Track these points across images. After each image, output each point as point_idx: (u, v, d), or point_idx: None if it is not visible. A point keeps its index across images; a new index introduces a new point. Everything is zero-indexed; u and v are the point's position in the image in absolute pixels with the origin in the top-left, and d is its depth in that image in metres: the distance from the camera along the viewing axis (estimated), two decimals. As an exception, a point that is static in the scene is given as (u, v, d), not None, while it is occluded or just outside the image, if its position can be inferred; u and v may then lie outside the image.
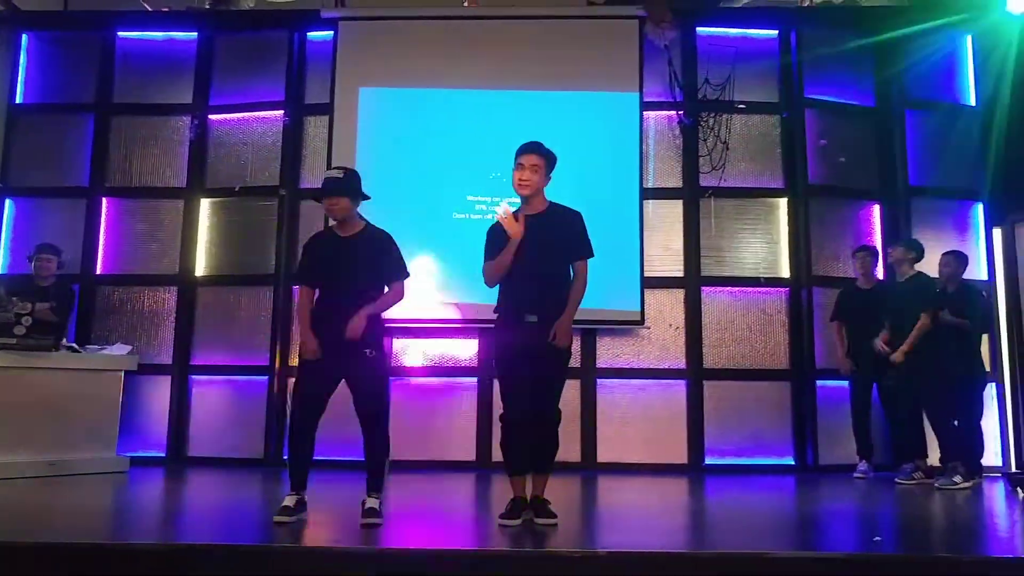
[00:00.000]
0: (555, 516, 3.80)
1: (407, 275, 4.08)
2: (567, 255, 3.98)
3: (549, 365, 3.88)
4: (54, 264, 6.19)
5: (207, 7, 7.98)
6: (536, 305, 3.87)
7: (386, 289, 4.04)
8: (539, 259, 3.88)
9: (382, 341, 4.08)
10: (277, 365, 6.70)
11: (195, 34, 7.30)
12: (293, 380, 4.11)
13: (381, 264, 4.02)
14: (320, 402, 3.95)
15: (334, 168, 4.19)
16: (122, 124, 7.25)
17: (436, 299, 6.60)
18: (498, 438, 3.99)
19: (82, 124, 7.24)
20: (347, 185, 3.98)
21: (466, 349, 6.76)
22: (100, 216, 7.10)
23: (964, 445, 5.68)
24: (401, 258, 4.07)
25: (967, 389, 5.79)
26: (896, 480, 5.75)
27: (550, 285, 3.92)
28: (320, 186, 4.05)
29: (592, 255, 4.01)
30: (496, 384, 4.04)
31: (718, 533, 4.11)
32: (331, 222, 4.18)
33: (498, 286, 4.01)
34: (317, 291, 4.04)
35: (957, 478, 5.39)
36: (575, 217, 4.02)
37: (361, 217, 4.09)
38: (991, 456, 6.50)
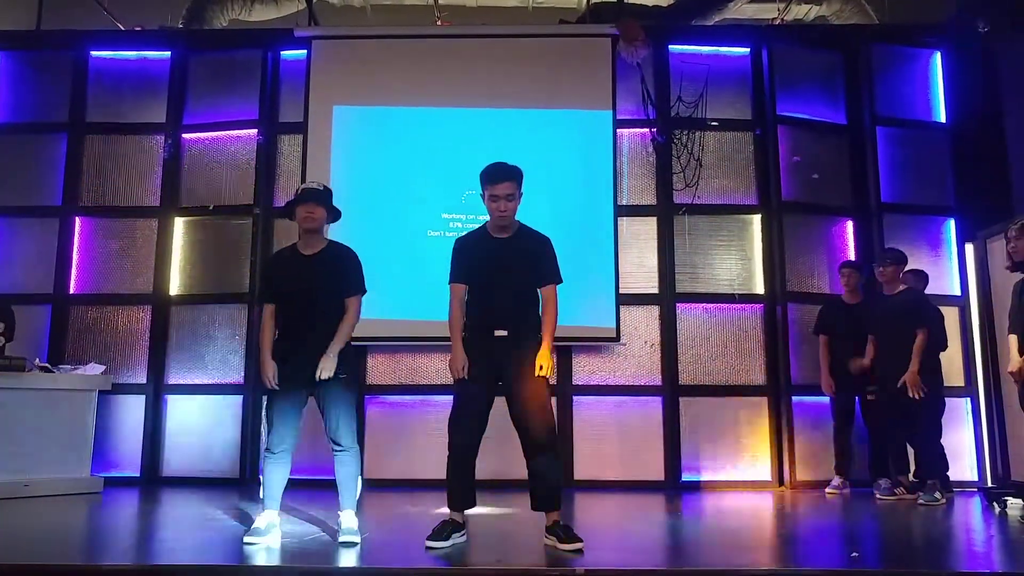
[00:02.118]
0: (580, 540, 3.63)
1: (363, 291, 4.08)
2: (536, 280, 3.95)
3: (528, 376, 3.80)
4: None
5: (180, 26, 7.98)
6: (506, 320, 3.85)
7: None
8: (508, 278, 3.88)
9: (354, 362, 4.07)
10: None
11: (168, 53, 7.26)
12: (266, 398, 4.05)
13: (342, 274, 4.02)
14: (294, 419, 3.94)
15: (311, 181, 4.22)
16: (95, 143, 7.20)
17: (410, 316, 6.57)
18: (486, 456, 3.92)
19: (55, 143, 7.17)
20: (326, 196, 4.05)
21: (441, 366, 6.72)
22: (73, 235, 7.02)
23: (939, 461, 5.72)
24: (361, 273, 4.08)
25: (930, 405, 5.81)
26: (877, 496, 5.75)
27: (519, 302, 3.90)
28: (297, 195, 4.07)
29: (561, 281, 3.99)
30: (455, 400, 3.94)
31: (696, 550, 4.10)
32: (297, 237, 4.15)
33: (467, 306, 3.97)
34: (279, 310, 4.03)
35: (937, 494, 5.42)
36: (545, 242, 3.99)
37: (324, 236, 4.12)
38: (967, 471, 6.57)
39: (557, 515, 3.78)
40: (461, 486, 3.85)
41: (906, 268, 6.10)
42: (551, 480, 3.80)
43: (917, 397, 5.55)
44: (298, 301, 3.96)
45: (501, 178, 3.84)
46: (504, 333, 3.82)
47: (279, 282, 4.04)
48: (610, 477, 6.49)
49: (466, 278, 3.97)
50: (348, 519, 3.85)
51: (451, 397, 6.43)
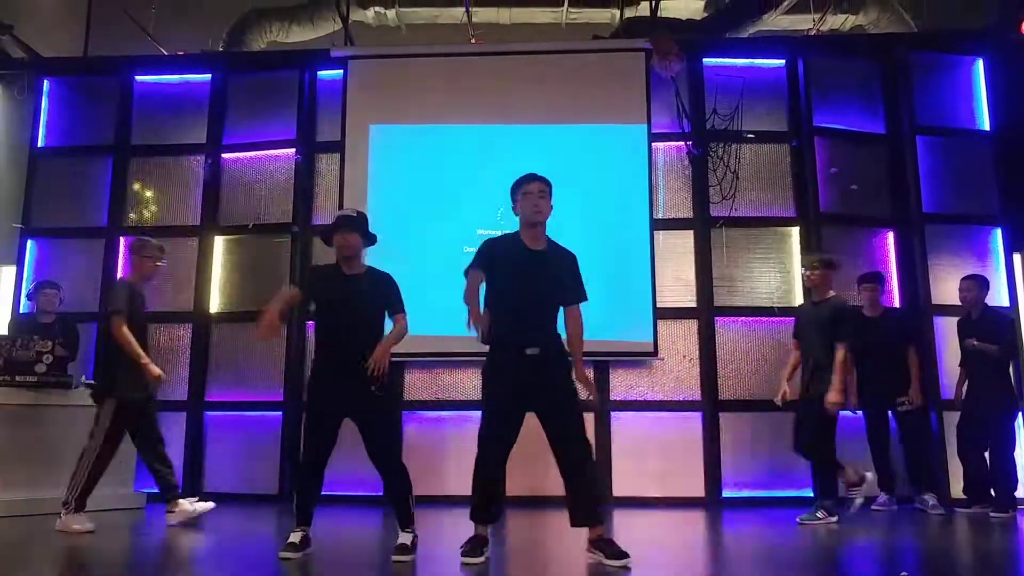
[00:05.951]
0: (627, 555, 3.53)
1: (405, 312, 4.10)
2: (564, 297, 3.94)
3: (561, 394, 3.79)
4: (57, 299, 6.24)
5: (220, 50, 8.14)
6: (537, 337, 3.82)
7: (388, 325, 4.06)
8: (540, 293, 3.86)
9: (389, 376, 4.06)
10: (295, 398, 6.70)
11: (209, 76, 7.43)
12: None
13: (384, 297, 4.06)
14: (329, 436, 3.95)
15: (347, 208, 4.25)
16: (139, 165, 7.37)
17: (447, 332, 6.56)
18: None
19: (101, 166, 7.37)
20: (360, 223, 4.07)
21: (474, 381, 6.72)
22: (118, 255, 7.19)
23: (994, 477, 5.56)
24: (401, 296, 4.10)
25: (1000, 419, 5.68)
26: (921, 508, 5.60)
27: (549, 319, 3.88)
28: (332, 223, 4.11)
29: (586, 299, 3.98)
30: (483, 418, 3.89)
31: (738, 568, 4.03)
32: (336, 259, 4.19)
33: (490, 317, 3.88)
34: (320, 326, 4.06)
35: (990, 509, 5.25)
36: (574, 259, 4.00)
37: (362, 262, 4.13)
38: (1020, 488, 6.35)
39: (601, 529, 3.72)
40: (490, 501, 3.81)
41: (967, 274, 6.07)
42: (592, 496, 3.75)
43: None
44: (339, 315, 3.97)
45: (532, 179, 3.90)
46: (536, 352, 3.78)
47: (321, 292, 4.07)
48: (650, 494, 6.42)
49: (496, 283, 3.90)
50: (404, 536, 3.84)
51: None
